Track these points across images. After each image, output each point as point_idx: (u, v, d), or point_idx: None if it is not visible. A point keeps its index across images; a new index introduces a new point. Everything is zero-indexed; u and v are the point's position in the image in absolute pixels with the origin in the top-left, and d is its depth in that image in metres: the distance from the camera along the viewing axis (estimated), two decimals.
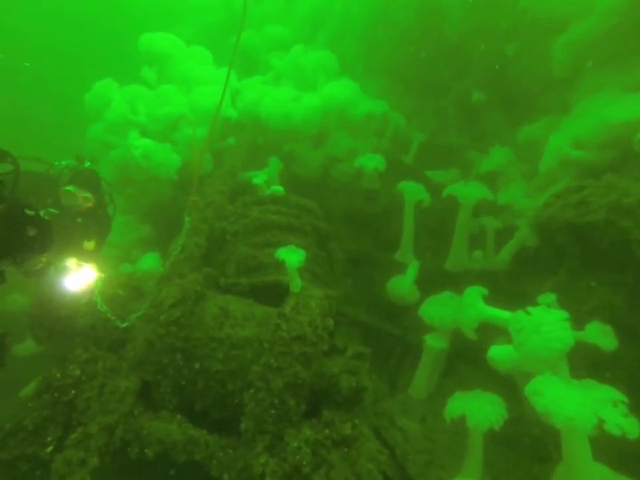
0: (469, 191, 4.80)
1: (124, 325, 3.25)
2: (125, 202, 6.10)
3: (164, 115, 5.28)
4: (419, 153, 6.84)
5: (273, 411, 2.66)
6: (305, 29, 8.51)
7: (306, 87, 6.34)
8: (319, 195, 5.80)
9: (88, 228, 4.19)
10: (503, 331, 3.90)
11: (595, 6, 3.96)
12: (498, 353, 3.15)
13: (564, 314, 2.75)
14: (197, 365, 3.00)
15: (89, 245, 4.15)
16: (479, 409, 2.81)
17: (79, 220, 4.13)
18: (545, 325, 2.74)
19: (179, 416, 2.81)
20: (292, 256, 3.06)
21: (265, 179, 4.88)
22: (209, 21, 10.24)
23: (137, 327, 3.17)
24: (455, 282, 5.14)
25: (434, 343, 4.12)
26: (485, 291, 3.69)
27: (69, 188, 4.07)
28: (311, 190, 6.12)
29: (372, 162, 5.61)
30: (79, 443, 2.34)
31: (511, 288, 4.55)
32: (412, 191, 5.24)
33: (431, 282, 5.15)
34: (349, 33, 7.82)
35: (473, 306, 3.48)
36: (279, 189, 4.63)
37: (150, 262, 4.68)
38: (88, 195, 4.15)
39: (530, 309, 2.82)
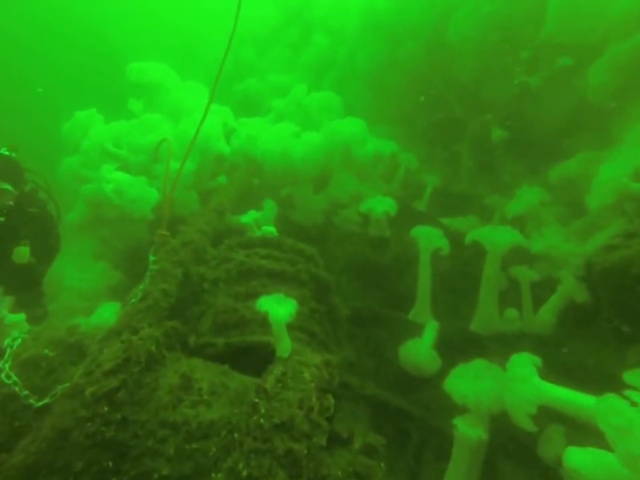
0: (498, 236, 4.03)
1: (39, 403, 2.30)
2: (98, 246, 5.34)
3: (145, 144, 4.68)
4: (432, 200, 6.20)
5: None
6: (310, 77, 8.34)
7: (309, 128, 5.86)
8: (320, 244, 5.07)
9: (16, 229, 3.51)
10: (559, 417, 2.96)
11: None
12: (584, 461, 2.03)
13: None
14: (132, 469, 2.03)
15: (21, 252, 3.43)
16: None
17: (1, 219, 3.44)
18: None
19: None
20: (279, 307, 2.21)
21: (256, 218, 4.16)
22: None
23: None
24: (484, 348, 4.23)
25: (468, 430, 3.09)
26: (537, 359, 2.77)
27: None
28: (311, 239, 5.42)
29: (381, 205, 4.92)
30: None
31: (560, 358, 3.62)
32: (428, 238, 4.47)
33: (453, 347, 4.25)
34: (355, 79, 7.60)
35: (526, 381, 2.55)
36: (271, 229, 3.89)
37: (108, 314, 3.80)
38: (7, 186, 3.48)
39: (630, 393, 1.88)
